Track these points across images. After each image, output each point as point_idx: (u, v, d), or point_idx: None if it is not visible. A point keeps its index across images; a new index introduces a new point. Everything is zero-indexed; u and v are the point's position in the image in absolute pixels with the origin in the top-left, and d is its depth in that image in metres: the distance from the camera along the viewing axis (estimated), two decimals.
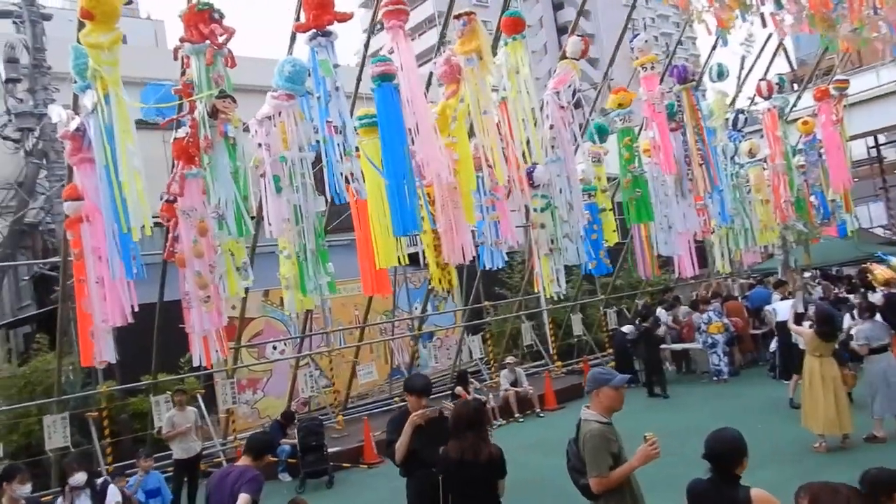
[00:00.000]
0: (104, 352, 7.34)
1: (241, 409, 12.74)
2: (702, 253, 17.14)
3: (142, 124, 13.66)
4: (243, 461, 4.82)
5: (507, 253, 16.49)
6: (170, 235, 7.60)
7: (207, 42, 6.69)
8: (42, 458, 9.75)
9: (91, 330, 7.22)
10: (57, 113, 7.21)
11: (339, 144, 7.78)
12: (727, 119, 14.84)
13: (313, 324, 13.76)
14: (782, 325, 11.48)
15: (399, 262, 9.19)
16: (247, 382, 12.95)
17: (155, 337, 9.60)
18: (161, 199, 7.55)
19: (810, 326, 8.81)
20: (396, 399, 13.24)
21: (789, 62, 23.88)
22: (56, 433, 9.05)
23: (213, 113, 6.65)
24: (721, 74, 13.70)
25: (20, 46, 13.30)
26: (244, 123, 7.08)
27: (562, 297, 14.22)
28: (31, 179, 13.16)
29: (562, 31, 66.79)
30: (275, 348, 13.16)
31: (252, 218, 7.18)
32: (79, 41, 6.35)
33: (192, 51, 6.79)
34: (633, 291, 17.43)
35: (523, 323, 14.89)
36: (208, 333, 7.56)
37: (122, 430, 10.76)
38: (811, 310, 10.51)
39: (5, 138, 13.99)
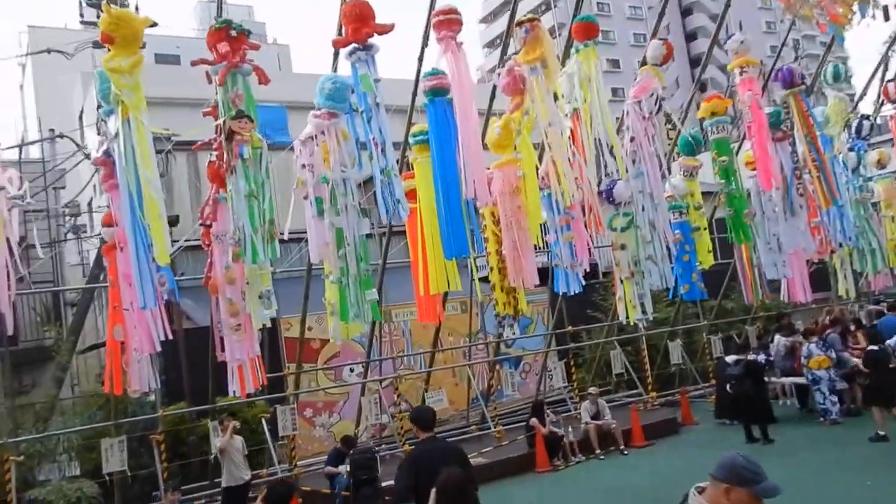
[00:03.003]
0: (142, 380, 7.24)
1: (317, 433, 12.55)
2: (824, 276, 15.47)
3: None
4: None
5: (604, 273, 15.57)
6: (208, 261, 7.46)
7: (224, 62, 6.45)
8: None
9: (125, 358, 7.14)
10: (94, 139, 7.26)
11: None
12: (848, 126, 13.31)
13: (393, 346, 13.43)
14: None
15: (449, 287, 8.71)
16: (323, 405, 12.75)
17: (210, 360, 9.52)
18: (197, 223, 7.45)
19: None
20: (473, 427, 12.65)
21: None
22: (113, 457, 9.12)
23: (230, 135, 6.39)
24: (838, 76, 12.26)
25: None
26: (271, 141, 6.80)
27: (646, 323, 13.17)
28: None
29: (690, 37, 64.02)
30: (352, 371, 12.88)
31: (282, 241, 6.82)
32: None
33: (213, 72, 6.58)
34: (745, 316, 15.93)
35: (613, 349, 13.86)
36: (242, 362, 7.34)
37: (192, 451, 10.78)
38: None
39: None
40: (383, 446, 11.79)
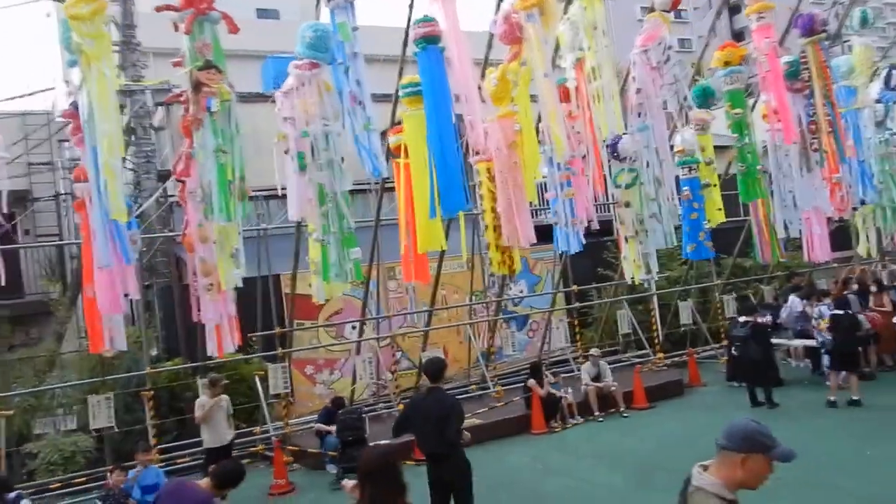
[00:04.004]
0: (114, 339, 7.09)
1: (317, 390, 12.48)
2: (846, 234, 14.90)
3: (256, 97, 13.47)
4: (205, 483, 4.52)
5: (618, 230, 15.16)
6: (185, 218, 7.24)
7: (190, 9, 6.11)
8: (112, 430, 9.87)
9: (94, 316, 6.99)
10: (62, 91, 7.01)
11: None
12: (877, 76, 12.60)
13: (398, 304, 13.26)
14: None
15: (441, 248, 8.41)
16: (324, 362, 12.65)
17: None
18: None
19: None
20: (474, 387, 12.47)
21: None
22: (101, 413, 9.09)
23: (197, 86, 6.08)
24: (865, 22, 11.51)
25: (111, 24, 13.52)
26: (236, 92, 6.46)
27: (650, 283, 12.77)
28: None
29: (733, 10, 61.23)
30: (353, 328, 12.70)
31: (251, 199, 6.57)
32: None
33: (178, 19, 6.25)
34: (762, 276, 15.43)
35: (619, 309, 13.52)
36: (220, 322, 7.16)
37: (188, 408, 10.75)
38: None
39: None
40: (380, 405, 11.68)
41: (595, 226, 8.81)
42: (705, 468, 2.73)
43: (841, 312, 10.23)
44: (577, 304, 13.64)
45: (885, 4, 65.57)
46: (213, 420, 8.39)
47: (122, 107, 12.62)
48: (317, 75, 7.05)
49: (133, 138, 12.67)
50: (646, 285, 12.77)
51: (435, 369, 6.39)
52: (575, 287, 13.28)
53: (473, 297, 13.58)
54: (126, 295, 6.69)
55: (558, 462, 9.01)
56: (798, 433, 8.84)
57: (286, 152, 7.19)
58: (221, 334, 7.21)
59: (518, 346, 13.85)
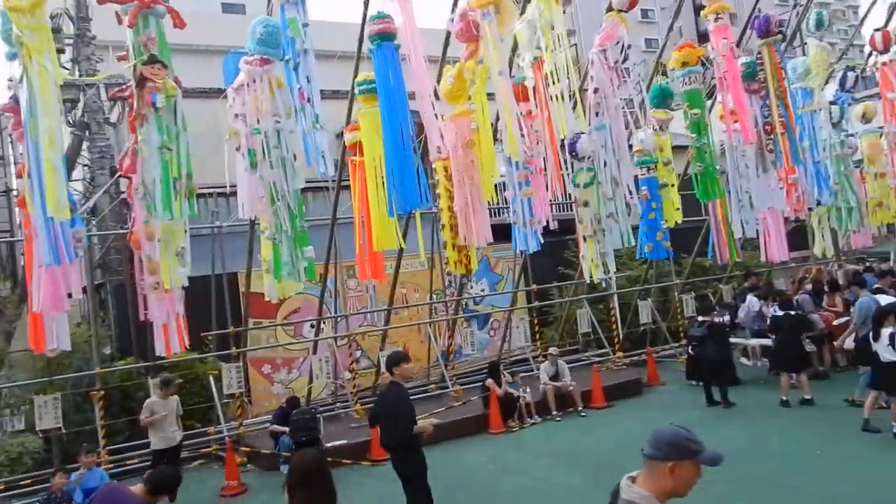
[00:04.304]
0: (57, 338, 6.90)
1: (275, 389, 12.34)
2: (804, 234, 15.11)
3: (217, 93, 13.22)
4: (139, 489, 4.35)
5: None
6: (133, 215, 7.08)
7: (134, 2, 5.96)
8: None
9: (36, 315, 6.80)
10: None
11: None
12: (833, 78, 12.79)
13: (357, 302, 13.18)
14: None
15: (398, 246, 8.35)
16: (282, 361, 12.51)
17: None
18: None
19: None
20: (433, 386, 12.39)
21: None
22: (47, 414, 8.87)
23: (141, 81, 5.93)
24: (820, 24, 11.65)
25: (64, 16, 13.24)
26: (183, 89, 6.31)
27: (608, 282, 12.85)
28: (73, 152, 13.11)
29: (699, 10, 61.81)
30: (312, 327, 12.57)
31: (199, 196, 6.44)
32: None
33: (122, 12, 6.10)
34: (721, 275, 15.58)
35: (579, 308, 13.56)
36: (167, 321, 7.01)
37: (139, 408, 10.54)
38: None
39: None
40: (338, 405, 11.57)
41: (553, 225, 8.81)
42: (633, 480, 2.65)
43: (781, 314, 10.31)
44: (537, 303, 13.64)
45: (848, 7, 66.69)
46: (162, 421, 8.21)
47: (75, 101, 12.34)
48: (268, 71, 6.95)
49: (87, 133, 12.38)
50: (604, 284, 12.83)
51: (390, 362, 6.43)
52: (535, 286, 13.29)
53: (434, 296, 13.52)
54: (69, 295, 6.53)
55: (516, 461, 8.98)
56: (753, 432, 8.94)
57: (238, 149, 7.10)
58: (168, 333, 7.10)
59: (479, 345, 13.85)
